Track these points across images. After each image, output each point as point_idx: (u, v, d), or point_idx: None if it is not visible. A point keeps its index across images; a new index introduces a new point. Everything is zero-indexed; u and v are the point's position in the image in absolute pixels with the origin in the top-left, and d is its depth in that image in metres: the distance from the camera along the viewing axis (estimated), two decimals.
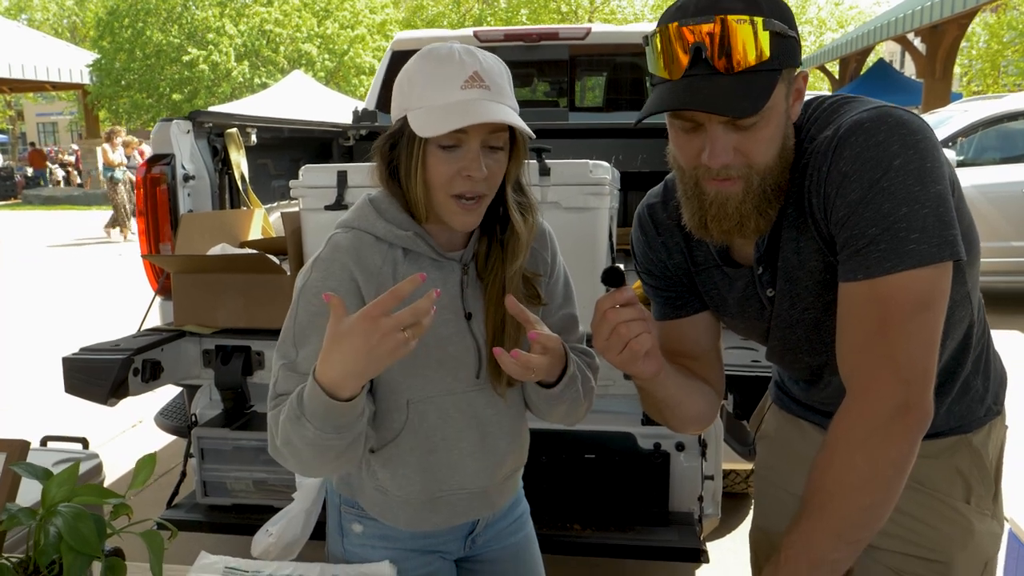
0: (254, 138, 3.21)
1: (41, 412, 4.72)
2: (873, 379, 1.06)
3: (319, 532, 1.39)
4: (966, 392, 1.24)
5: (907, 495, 1.21)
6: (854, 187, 1.04)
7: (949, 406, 1.23)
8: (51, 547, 1.09)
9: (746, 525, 3.18)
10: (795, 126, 1.13)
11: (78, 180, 23.99)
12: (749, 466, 2.61)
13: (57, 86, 20.69)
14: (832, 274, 1.11)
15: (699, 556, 1.95)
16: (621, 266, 1.19)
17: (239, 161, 3.09)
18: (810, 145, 1.11)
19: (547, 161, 2.26)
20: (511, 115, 1.12)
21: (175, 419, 2.78)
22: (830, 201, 1.07)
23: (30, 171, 24.43)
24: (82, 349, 2.25)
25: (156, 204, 2.83)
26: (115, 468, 3.90)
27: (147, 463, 1.30)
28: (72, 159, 25.31)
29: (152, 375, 2.27)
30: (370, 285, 1.16)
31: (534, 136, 1.18)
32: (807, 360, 1.27)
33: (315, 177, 2.42)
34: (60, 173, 25.14)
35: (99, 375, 2.13)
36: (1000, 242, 6.41)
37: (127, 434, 4.66)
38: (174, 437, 3.20)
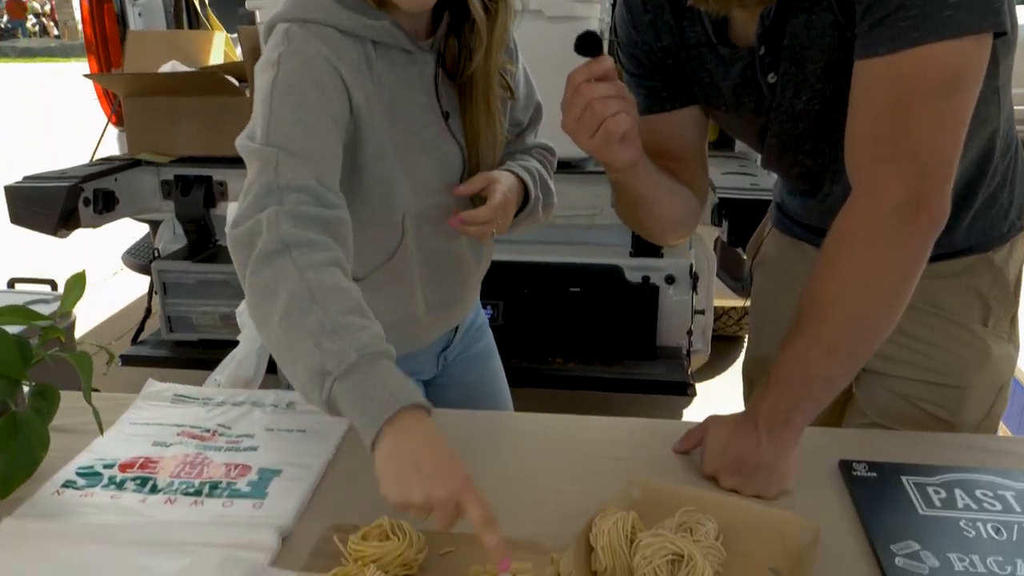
0: None
1: (14, 258, 4.60)
2: (885, 171, 0.92)
3: (274, 368, 1.27)
4: (990, 206, 1.11)
5: (920, 319, 1.12)
6: None
7: (971, 221, 1.10)
8: None
9: (736, 367, 3.15)
10: None
11: (55, 31, 22.73)
12: (742, 303, 2.51)
13: None
14: (846, 53, 0.94)
15: (686, 389, 1.87)
16: (598, 30, 1.01)
17: None
18: None
19: None
20: None
21: (142, 257, 2.65)
22: None
23: (5, 19, 23.01)
24: (26, 178, 2.08)
25: (104, 27, 2.57)
26: (94, 317, 3.84)
27: (77, 283, 1.16)
28: (47, 9, 23.87)
29: (105, 206, 2.11)
30: (356, 82, 0.98)
31: None
32: (807, 163, 1.12)
33: None
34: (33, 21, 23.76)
35: (45, 203, 1.97)
36: None
37: (107, 282, 4.56)
38: None
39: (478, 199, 1.12)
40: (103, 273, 4.57)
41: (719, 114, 1.18)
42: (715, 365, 3.08)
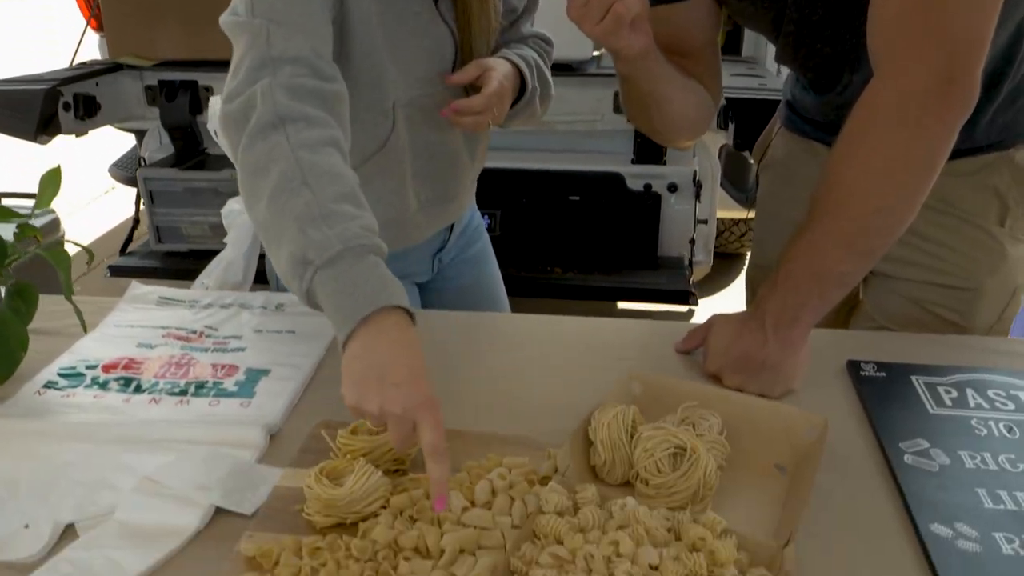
0: None
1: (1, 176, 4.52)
2: (912, 50, 0.85)
3: (264, 277, 1.23)
4: (1014, 100, 1.05)
5: (933, 219, 1.07)
6: None
7: (993, 116, 1.04)
8: None
9: (738, 285, 3.11)
10: None
11: None
12: (745, 214, 2.45)
13: None
14: None
15: (687, 298, 1.83)
16: None
17: None
18: None
19: None
20: None
21: (129, 169, 2.57)
22: None
23: None
24: (1, 80, 1.99)
25: None
26: (87, 234, 3.78)
27: (51, 179, 1.10)
28: None
29: (87, 112, 2.03)
30: None
31: None
32: (826, 51, 1.05)
33: None
34: None
35: (22, 107, 1.88)
36: None
37: (99, 200, 4.49)
38: None
39: (472, 90, 1.05)
40: (95, 191, 4.50)
41: (733, 2, 1.10)
42: (716, 281, 3.05)
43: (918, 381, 0.94)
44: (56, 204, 2.44)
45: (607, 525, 0.63)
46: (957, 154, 0.92)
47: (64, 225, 2.48)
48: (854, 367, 0.97)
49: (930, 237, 1.10)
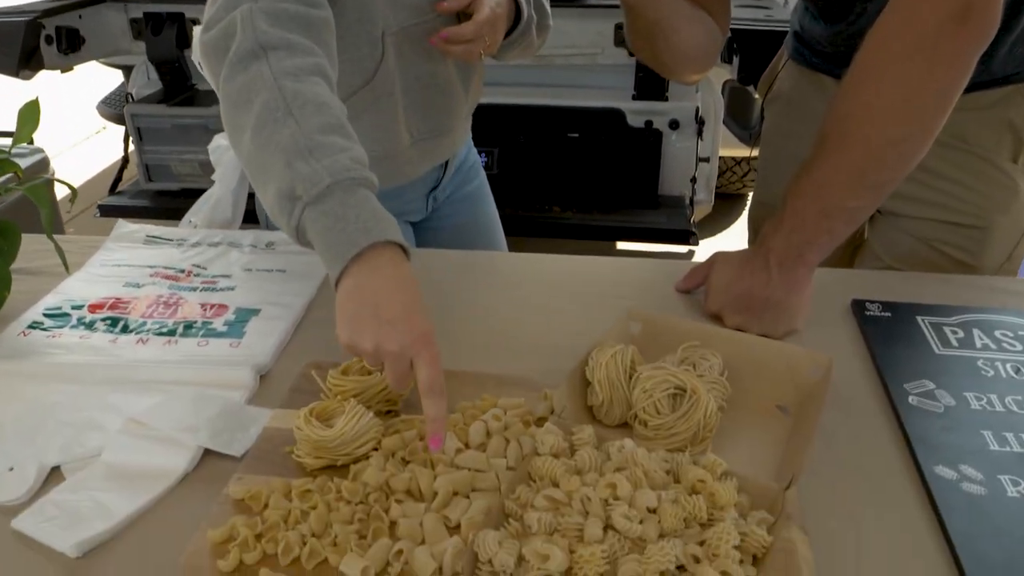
0: None
1: None
2: None
3: (254, 216, 1.19)
4: None
5: (944, 154, 1.03)
6: None
7: (1011, 47, 1.00)
8: None
9: (739, 226, 3.08)
10: None
11: None
12: (748, 153, 2.40)
13: None
14: None
15: (688, 238, 1.80)
16: None
17: None
18: None
19: None
20: None
21: (116, 106, 2.50)
22: None
23: None
24: None
25: None
26: (77, 176, 3.72)
27: (30, 113, 1.06)
28: None
29: (70, 45, 1.96)
30: None
31: None
32: None
33: None
34: None
35: (3, 40, 1.82)
36: None
37: (91, 140, 4.41)
38: None
39: (464, 17, 1.00)
40: (86, 131, 4.42)
41: None
42: (717, 223, 3.01)
43: (924, 321, 0.91)
44: (46, 144, 2.40)
45: (604, 467, 0.61)
46: (972, 87, 0.87)
47: (54, 165, 2.43)
48: (859, 307, 0.94)
49: (940, 173, 1.06)
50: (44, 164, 2.27)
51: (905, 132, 0.85)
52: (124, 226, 1.17)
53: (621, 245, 2.70)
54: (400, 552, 0.58)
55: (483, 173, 1.31)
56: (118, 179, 2.13)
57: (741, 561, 0.55)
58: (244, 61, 0.75)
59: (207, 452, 0.71)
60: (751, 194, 3.27)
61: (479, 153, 1.33)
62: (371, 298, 0.67)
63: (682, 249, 2.54)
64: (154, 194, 2.06)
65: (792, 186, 0.90)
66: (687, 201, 1.96)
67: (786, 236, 0.89)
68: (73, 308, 0.96)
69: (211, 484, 0.67)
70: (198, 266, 1.06)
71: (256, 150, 0.73)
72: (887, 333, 0.89)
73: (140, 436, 0.72)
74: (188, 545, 0.60)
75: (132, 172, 2.25)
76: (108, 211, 2.03)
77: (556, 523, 0.56)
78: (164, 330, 0.92)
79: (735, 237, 2.94)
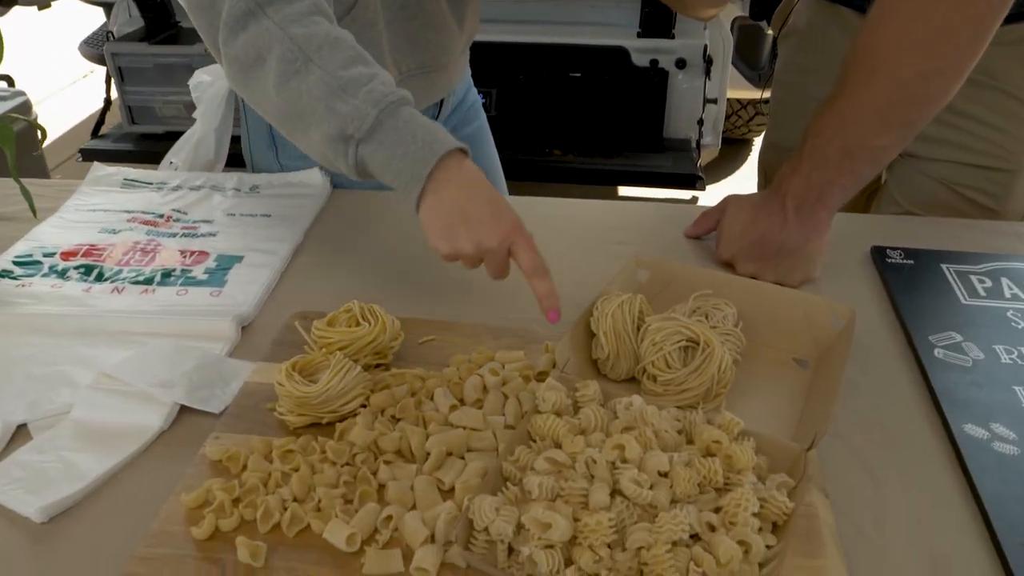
0: None
1: None
2: None
3: (238, 160, 1.12)
4: None
5: (971, 92, 0.95)
6: None
7: None
8: None
9: (744, 172, 2.99)
10: None
11: None
12: (759, 94, 2.31)
13: None
14: None
15: (695, 183, 1.73)
16: None
17: None
18: None
19: None
20: None
21: (98, 45, 2.40)
22: None
23: None
24: None
25: None
26: (63, 122, 3.62)
27: None
28: None
29: None
30: None
31: None
32: None
33: None
34: None
35: None
36: None
37: (76, 84, 4.29)
38: None
39: None
40: (73, 75, 4.30)
41: None
42: (721, 168, 2.93)
43: (948, 270, 0.86)
44: (29, 88, 2.31)
45: (611, 427, 0.56)
46: (1007, 19, 0.81)
47: (39, 110, 2.35)
48: (879, 254, 0.89)
49: (965, 112, 1.00)
50: (26, 107, 2.18)
51: (936, 67, 0.79)
52: (100, 169, 1.11)
53: (622, 191, 2.63)
54: (389, 518, 0.53)
55: (483, 114, 1.24)
56: (100, 122, 2.05)
57: (760, 529, 0.50)
58: (242, 20, 0.71)
59: (183, 409, 0.67)
60: (757, 139, 3.20)
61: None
62: (456, 207, 0.68)
63: (685, 195, 2.47)
64: (138, 137, 1.98)
65: (812, 124, 0.83)
66: (693, 144, 1.89)
67: (805, 177, 0.82)
68: (45, 255, 0.91)
69: (187, 444, 0.63)
70: (178, 211, 1.01)
71: (286, 104, 0.71)
72: (910, 282, 0.84)
73: (112, 392, 0.67)
74: (160, 510, 0.55)
75: (116, 116, 2.17)
76: (91, 155, 1.96)
77: (558, 488, 0.51)
78: (141, 278, 0.86)
79: (740, 184, 2.86)
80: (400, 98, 0.70)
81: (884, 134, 0.81)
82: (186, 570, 0.51)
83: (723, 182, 2.88)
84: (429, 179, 0.67)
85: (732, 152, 2.99)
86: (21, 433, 0.65)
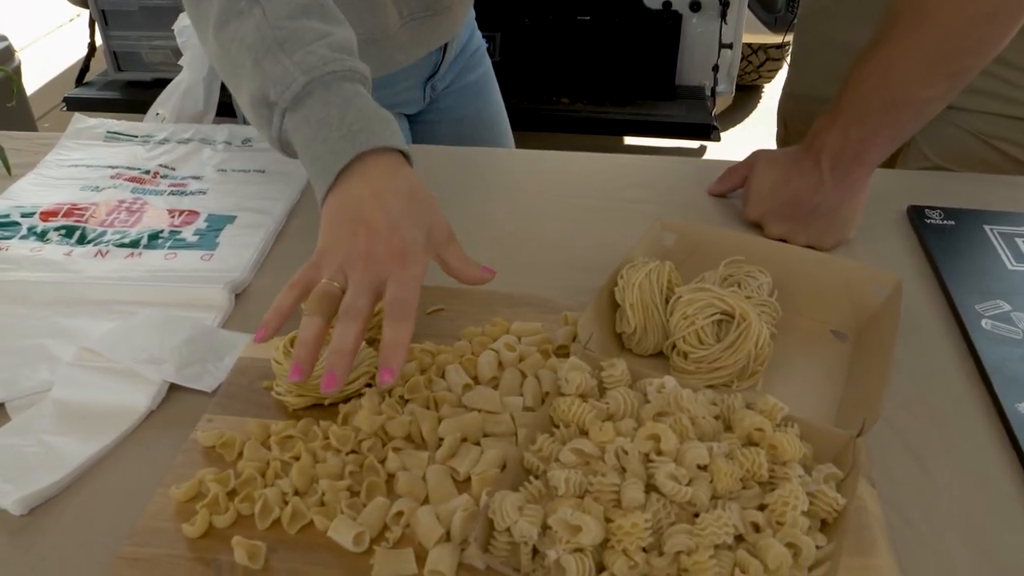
0: None
1: None
2: None
3: (229, 110, 1.05)
4: None
5: (1014, 39, 0.89)
6: None
7: None
8: None
9: (755, 118, 2.90)
10: None
11: None
12: (771, 39, 2.22)
13: None
14: None
15: (709, 132, 1.66)
16: None
17: None
18: None
19: None
20: None
21: None
22: None
23: None
24: None
25: None
26: (47, 69, 3.50)
27: None
28: None
29: None
30: None
31: None
32: None
33: None
34: None
35: None
36: None
37: (63, 28, 4.16)
38: None
39: None
40: (58, 19, 4.16)
41: None
42: (730, 116, 2.84)
43: (992, 231, 0.80)
44: (12, 34, 2.21)
45: (641, 412, 0.51)
46: None
47: (23, 56, 2.25)
48: (917, 214, 0.83)
49: (1005, 59, 0.92)
50: (8, 53, 2.09)
51: (992, 10, 0.72)
52: (81, 120, 1.04)
53: (629, 140, 2.54)
54: (400, 514, 0.49)
55: (488, 60, 1.17)
56: (85, 69, 1.96)
57: (809, 528, 0.45)
58: None
59: (173, 387, 0.61)
60: (767, 86, 3.10)
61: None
62: (352, 211, 0.56)
63: (693, 145, 2.39)
64: (124, 85, 1.89)
65: (852, 73, 0.76)
66: (707, 92, 1.81)
67: (842, 131, 0.76)
68: (22, 216, 0.84)
69: (178, 427, 0.58)
70: (165, 166, 0.94)
71: (221, 48, 0.61)
72: (951, 245, 0.78)
73: (94, 369, 0.62)
74: (148, 504, 0.50)
75: (102, 63, 2.07)
76: (76, 104, 1.87)
77: (587, 483, 0.46)
78: (126, 241, 0.80)
79: (749, 133, 2.78)
80: (344, 70, 0.58)
81: (932, 85, 0.74)
82: (177, 572, 0.46)
83: (731, 131, 2.80)
84: (344, 174, 0.56)
85: (741, 100, 2.90)
86: None
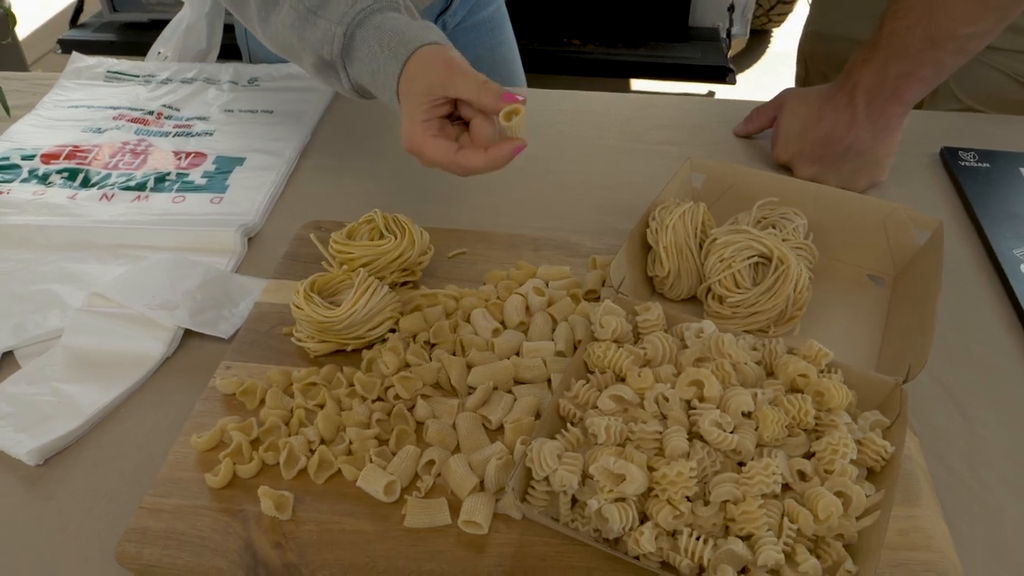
0: None
1: None
2: None
3: (233, 51, 1.01)
4: None
5: None
6: None
7: None
8: None
9: (765, 63, 2.82)
10: None
11: None
12: None
13: None
14: None
15: (725, 75, 1.61)
16: None
17: None
18: None
19: None
20: None
21: None
22: None
23: None
24: None
25: None
26: (44, 7, 3.40)
27: None
28: None
29: None
30: None
31: None
32: None
33: None
34: None
35: None
36: None
37: None
38: None
39: None
40: None
41: None
42: (739, 61, 2.77)
43: None
44: None
45: (680, 358, 0.49)
46: None
47: None
48: (951, 156, 0.80)
49: None
50: None
51: None
52: (80, 60, 1.00)
53: (636, 84, 2.48)
54: (431, 462, 0.47)
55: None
56: (79, 10, 1.89)
57: (856, 476, 0.44)
58: None
59: (188, 333, 0.59)
60: (776, 30, 3.02)
61: None
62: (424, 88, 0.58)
63: (702, 88, 2.33)
64: (121, 27, 1.83)
65: (892, 7, 0.72)
66: (723, 34, 1.75)
67: (880, 67, 0.73)
68: (23, 158, 0.81)
69: (194, 373, 0.56)
70: (169, 107, 0.91)
71: (271, 41, 0.65)
72: (986, 188, 0.76)
73: (105, 315, 0.60)
74: (169, 454, 0.48)
75: (97, 4, 2.00)
76: (70, 47, 1.81)
77: (627, 431, 0.44)
78: (132, 183, 0.77)
79: (759, 78, 2.71)
80: (368, 6, 0.61)
81: (976, 20, 0.70)
82: (202, 524, 0.44)
83: (741, 75, 2.73)
84: (402, 76, 0.58)
85: (751, 43, 2.83)
86: (7, 361, 0.58)
